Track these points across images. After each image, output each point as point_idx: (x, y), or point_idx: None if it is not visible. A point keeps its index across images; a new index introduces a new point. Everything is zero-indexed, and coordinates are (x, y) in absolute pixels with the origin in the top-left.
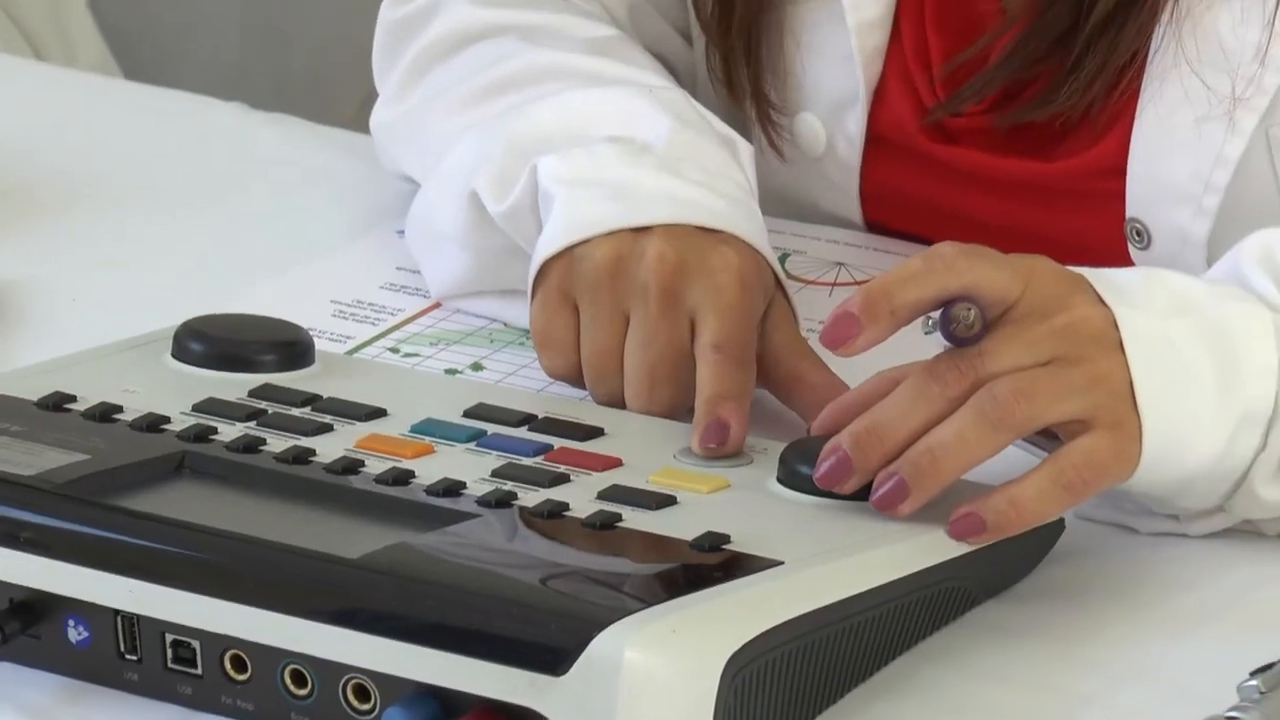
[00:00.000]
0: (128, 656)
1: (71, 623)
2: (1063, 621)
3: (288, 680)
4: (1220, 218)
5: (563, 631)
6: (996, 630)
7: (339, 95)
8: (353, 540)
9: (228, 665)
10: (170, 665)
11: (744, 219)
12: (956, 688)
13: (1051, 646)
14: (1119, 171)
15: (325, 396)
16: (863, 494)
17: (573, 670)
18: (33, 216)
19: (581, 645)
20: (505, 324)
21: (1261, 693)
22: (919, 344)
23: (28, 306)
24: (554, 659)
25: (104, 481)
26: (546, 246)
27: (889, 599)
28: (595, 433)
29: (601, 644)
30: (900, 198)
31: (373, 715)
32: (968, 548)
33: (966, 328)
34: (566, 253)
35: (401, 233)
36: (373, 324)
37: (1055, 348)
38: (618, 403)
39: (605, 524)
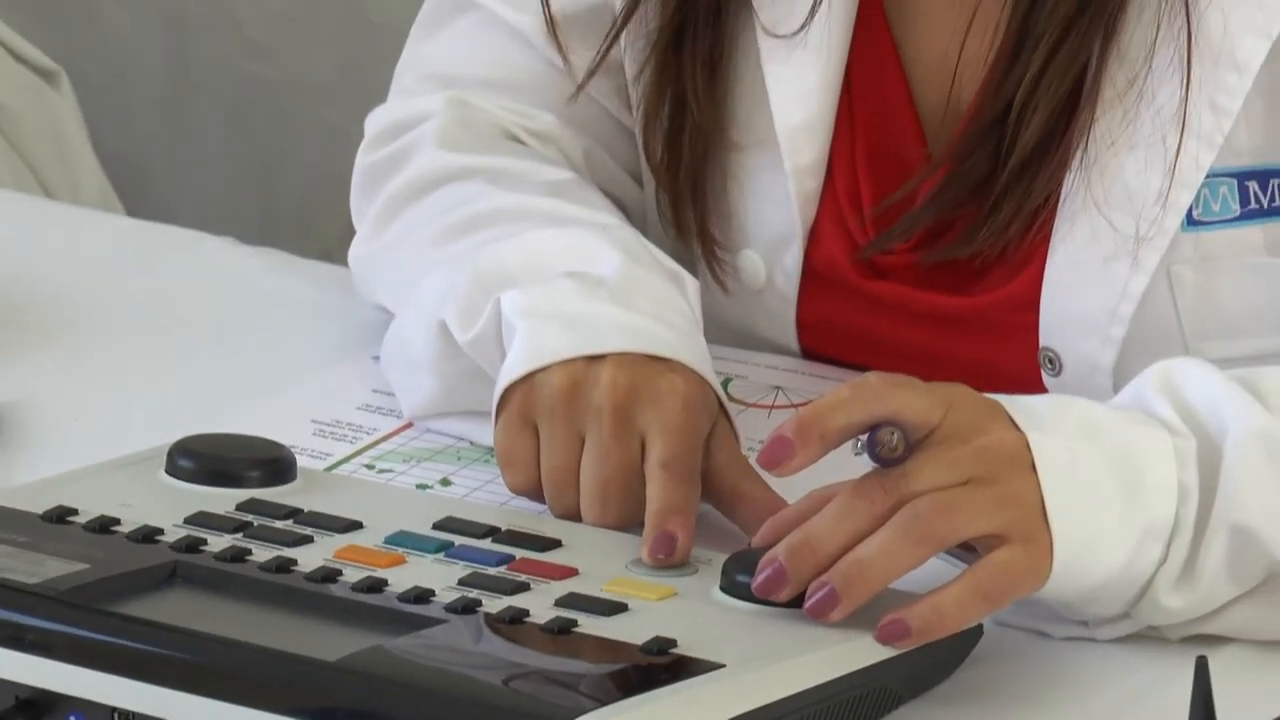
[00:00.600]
0: None
1: (72, 718)
2: None
3: None
4: (1125, 347)
5: None
6: None
7: (320, 227)
8: (331, 644)
9: None
10: None
11: (690, 347)
12: None
13: None
14: (1033, 305)
15: (306, 510)
16: (797, 602)
17: None
18: (40, 342)
19: None
20: (471, 443)
21: None
22: (851, 462)
23: (34, 425)
24: None
25: (102, 589)
26: (509, 373)
27: (822, 699)
28: (553, 544)
29: None
30: (834, 328)
31: None
32: (894, 651)
33: (890, 450)
34: (527, 379)
35: (377, 358)
36: (350, 442)
37: (973, 469)
38: (574, 516)
39: (562, 629)
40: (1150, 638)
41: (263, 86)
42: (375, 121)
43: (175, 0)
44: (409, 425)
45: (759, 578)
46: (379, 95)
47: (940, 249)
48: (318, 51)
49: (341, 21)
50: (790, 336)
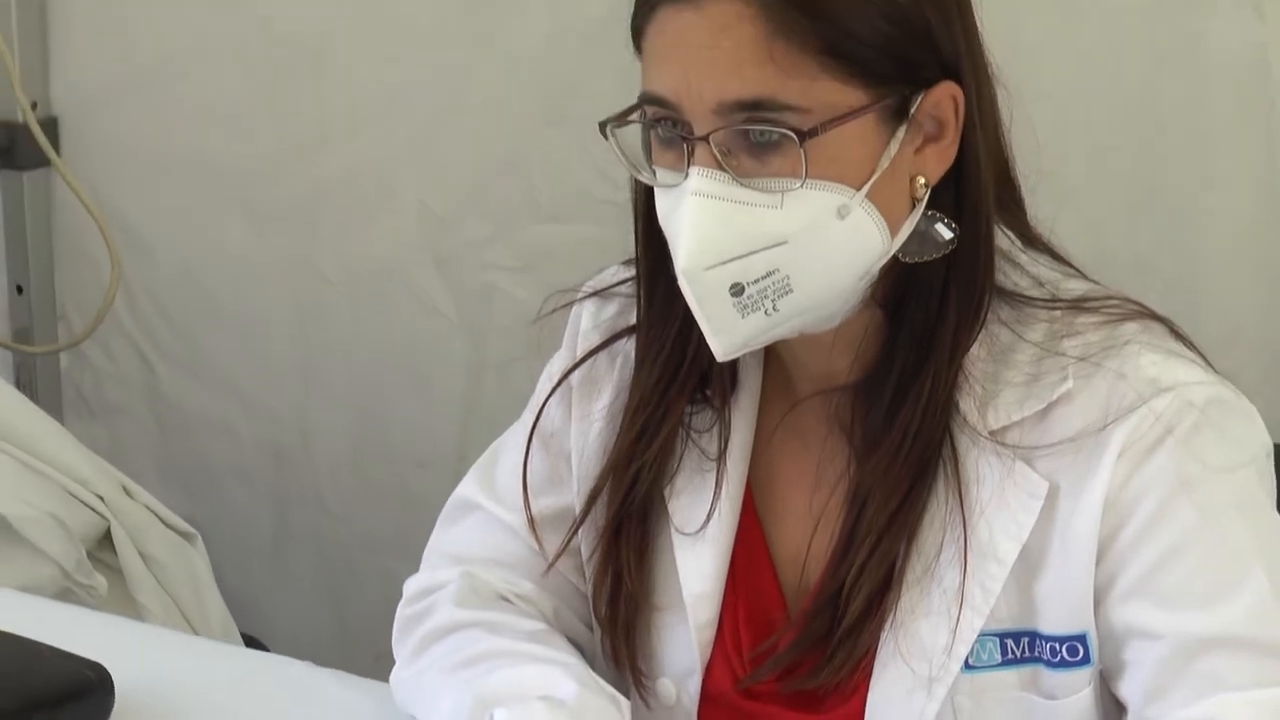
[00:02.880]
0: None
1: None
2: None
3: None
4: None
5: None
6: None
7: (377, 640)
8: None
9: None
10: None
11: None
12: None
13: None
14: None
15: None
16: None
17: None
18: None
19: None
20: None
21: None
22: None
23: None
24: None
25: None
26: None
27: None
28: None
29: None
30: None
31: None
32: None
33: None
34: None
35: None
36: None
37: None
38: None
39: None
40: None
41: (340, 543)
42: (410, 586)
43: (279, 481)
44: None
45: None
46: (421, 548)
47: (795, 682)
48: (380, 516)
49: (396, 497)
50: None
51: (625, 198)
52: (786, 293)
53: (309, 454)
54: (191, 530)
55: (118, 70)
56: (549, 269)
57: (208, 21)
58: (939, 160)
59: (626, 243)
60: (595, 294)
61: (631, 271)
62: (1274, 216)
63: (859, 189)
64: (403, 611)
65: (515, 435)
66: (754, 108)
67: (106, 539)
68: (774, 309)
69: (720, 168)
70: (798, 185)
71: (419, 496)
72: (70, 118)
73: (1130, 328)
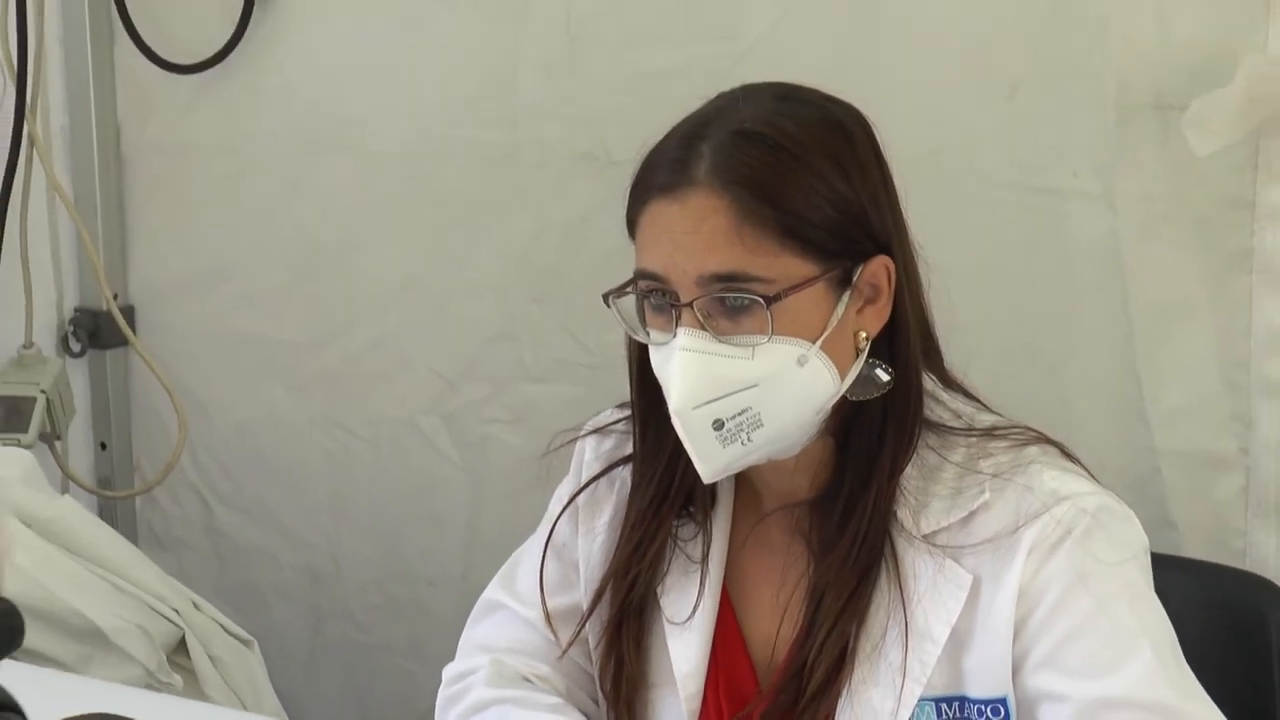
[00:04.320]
0: None
1: None
2: None
3: None
4: None
5: None
6: None
7: None
8: None
9: None
10: None
11: None
12: None
13: None
14: None
15: None
16: None
17: None
18: None
19: None
20: None
21: None
22: None
23: None
24: None
25: None
26: None
27: None
28: None
29: None
30: None
31: None
32: None
33: None
34: None
35: None
36: None
37: None
38: None
39: None
40: None
41: (365, 649)
42: (448, 671)
43: (314, 598)
44: None
45: None
46: (439, 651)
47: None
48: (399, 627)
49: (412, 610)
50: None
51: (596, 362)
52: (758, 426)
53: (340, 576)
54: (250, 638)
55: (183, 267)
56: (536, 421)
57: (254, 227)
58: (876, 318)
59: (596, 398)
60: (596, 431)
61: (624, 413)
62: (1128, 372)
63: (814, 342)
64: (443, 693)
65: (532, 547)
66: (728, 279)
67: (181, 645)
68: (748, 440)
69: (702, 328)
70: (765, 340)
71: (431, 610)
72: (144, 306)
73: (1032, 450)
